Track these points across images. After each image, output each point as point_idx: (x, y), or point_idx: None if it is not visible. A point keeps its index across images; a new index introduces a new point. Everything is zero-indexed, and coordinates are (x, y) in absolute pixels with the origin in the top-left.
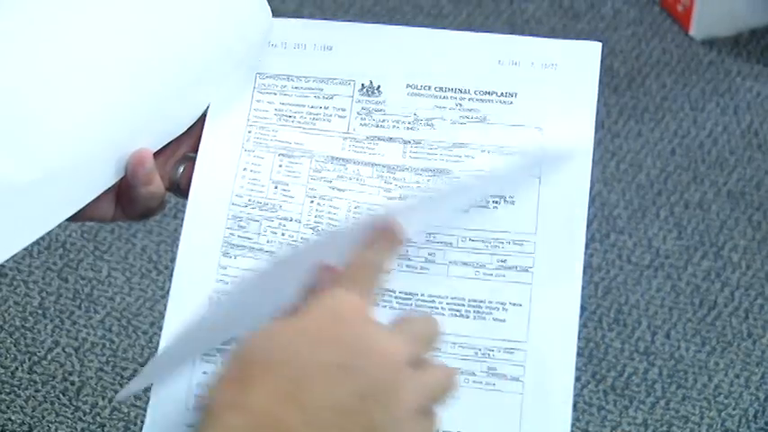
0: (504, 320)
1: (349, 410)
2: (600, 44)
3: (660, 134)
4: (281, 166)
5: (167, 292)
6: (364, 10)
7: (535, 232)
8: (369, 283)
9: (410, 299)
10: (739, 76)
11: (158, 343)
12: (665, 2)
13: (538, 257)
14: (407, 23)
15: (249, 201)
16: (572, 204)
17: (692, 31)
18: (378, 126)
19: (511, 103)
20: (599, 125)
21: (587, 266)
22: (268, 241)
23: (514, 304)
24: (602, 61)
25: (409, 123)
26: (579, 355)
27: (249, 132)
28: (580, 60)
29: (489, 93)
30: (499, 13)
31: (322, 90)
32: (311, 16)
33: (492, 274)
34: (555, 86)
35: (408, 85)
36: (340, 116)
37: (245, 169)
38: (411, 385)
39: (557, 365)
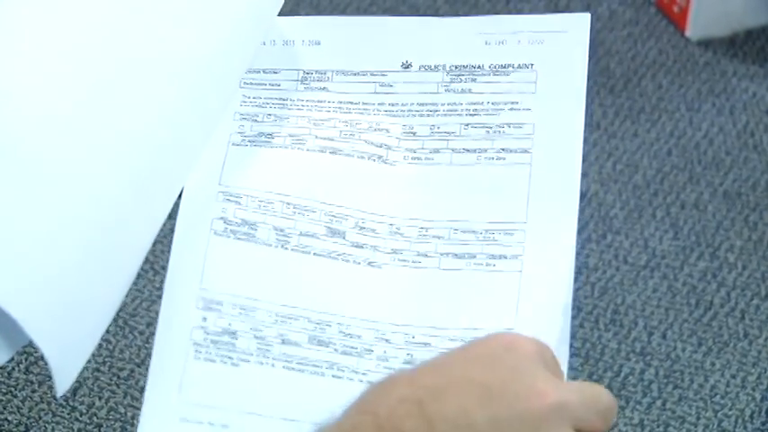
0: (495, 309)
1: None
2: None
3: (656, 135)
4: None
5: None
6: (360, 10)
7: (526, 221)
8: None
9: None
10: (735, 76)
11: (154, 343)
12: (660, 3)
13: (528, 246)
14: None
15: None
16: (562, 189)
17: (688, 32)
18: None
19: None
20: (594, 126)
21: (583, 267)
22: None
23: (505, 292)
24: (597, 62)
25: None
26: (575, 355)
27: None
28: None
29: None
30: (496, 12)
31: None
32: (307, 16)
33: (483, 264)
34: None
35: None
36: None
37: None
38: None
39: None
